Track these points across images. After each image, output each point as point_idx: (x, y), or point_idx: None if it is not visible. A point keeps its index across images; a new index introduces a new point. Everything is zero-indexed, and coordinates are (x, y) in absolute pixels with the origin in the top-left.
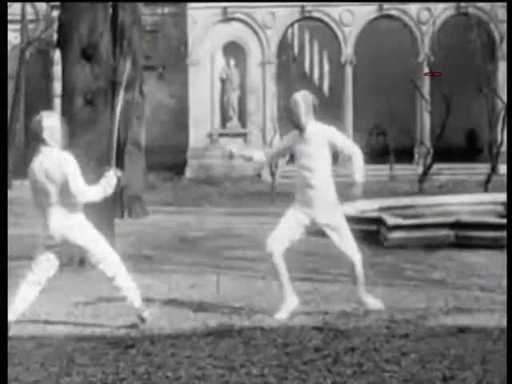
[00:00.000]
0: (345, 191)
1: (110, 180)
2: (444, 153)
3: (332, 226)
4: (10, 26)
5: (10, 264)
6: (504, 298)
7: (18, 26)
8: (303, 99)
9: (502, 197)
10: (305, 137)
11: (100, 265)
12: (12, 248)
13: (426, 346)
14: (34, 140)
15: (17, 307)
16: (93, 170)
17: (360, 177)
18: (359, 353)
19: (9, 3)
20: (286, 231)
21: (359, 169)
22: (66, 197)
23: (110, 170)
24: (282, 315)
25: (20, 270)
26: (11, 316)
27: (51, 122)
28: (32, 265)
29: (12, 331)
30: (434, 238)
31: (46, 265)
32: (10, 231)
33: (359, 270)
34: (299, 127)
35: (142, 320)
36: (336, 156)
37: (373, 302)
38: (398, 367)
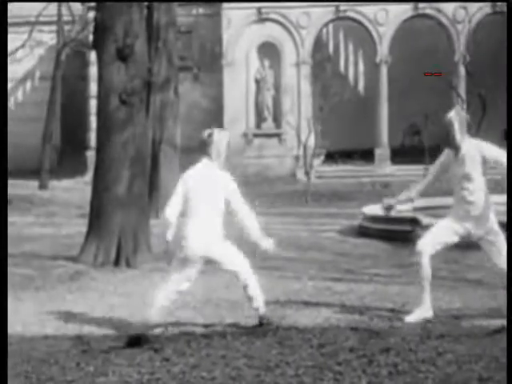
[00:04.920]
0: (381, 190)
1: (265, 240)
2: None
3: (487, 238)
4: (46, 28)
5: (48, 264)
6: None
7: (54, 28)
8: (457, 118)
9: None
10: (460, 157)
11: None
12: (48, 247)
13: (462, 346)
14: (200, 151)
15: (153, 318)
16: (128, 169)
17: None
18: (394, 353)
19: (45, 4)
20: (439, 238)
21: None
22: (213, 212)
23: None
24: (411, 319)
25: (56, 270)
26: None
27: (221, 138)
28: (170, 273)
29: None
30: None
31: (183, 276)
32: (47, 231)
33: None
34: (454, 146)
35: (261, 324)
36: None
37: None
38: (434, 368)
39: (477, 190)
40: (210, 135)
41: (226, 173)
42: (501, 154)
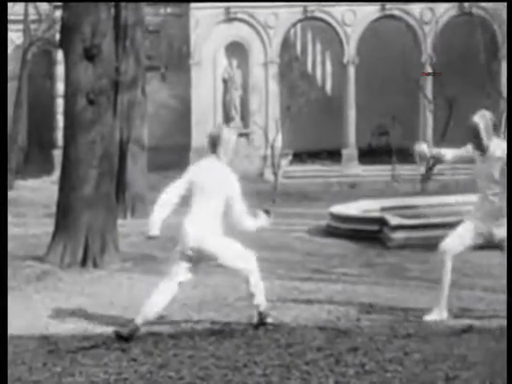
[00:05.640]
0: (348, 190)
1: (261, 220)
2: None
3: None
4: (12, 27)
5: (15, 264)
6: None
7: (20, 26)
8: (483, 121)
9: None
10: (486, 157)
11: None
12: (15, 248)
13: (429, 346)
14: (208, 148)
15: (147, 312)
16: (95, 168)
17: None
18: (362, 353)
19: (11, 3)
20: (462, 238)
21: None
22: (212, 209)
23: (265, 211)
24: (429, 318)
25: (23, 270)
26: (139, 320)
27: (229, 137)
28: (169, 270)
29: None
30: (437, 238)
31: (182, 271)
32: (13, 231)
33: None
34: (481, 149)
35: (261, 321)
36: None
37: None
38: (401, 367)
39: (501, 191)
40: (219, 133)
41: (232, 171)
42: None
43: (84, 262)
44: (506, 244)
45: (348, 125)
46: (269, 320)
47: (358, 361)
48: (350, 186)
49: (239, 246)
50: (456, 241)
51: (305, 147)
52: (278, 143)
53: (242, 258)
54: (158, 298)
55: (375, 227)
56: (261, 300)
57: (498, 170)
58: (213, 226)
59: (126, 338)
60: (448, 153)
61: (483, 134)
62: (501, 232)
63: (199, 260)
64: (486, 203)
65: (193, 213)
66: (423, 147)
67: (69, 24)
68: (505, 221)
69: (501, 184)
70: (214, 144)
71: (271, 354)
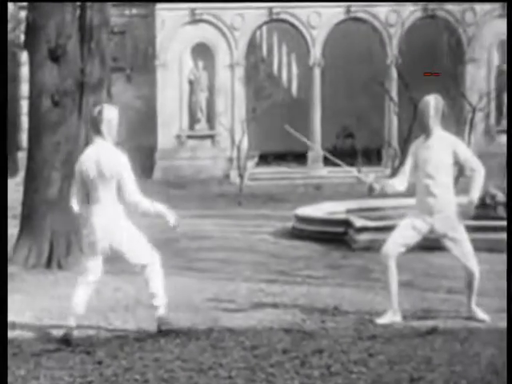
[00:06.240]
0: (314, 192)
1: (164, 211)
2: None
3: (450, 235)
4: None
5: None
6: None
7: None
8: (434, 103)
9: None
10: (429, 143)
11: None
12: None
13: (394, 347)
14: (91, 130)
15: (77, 312)
16: (59, 170)
17: (476, 196)
18: (327, 354)
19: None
20: (402, 238)
21: (478, 187)
22: (113, 195)
23: (171, 214)
24: (382, 321)
25: None
26: (72, 321)
27: (111, 115)
28: (82, 265)
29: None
30: None
31: (94, 265)
32: None
33: (477, 282)
34: (425, 130)
35: (159, 328)
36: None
37: (480, 314)
38: (366, 369)
39: (442, 183)
40: (100, 112)
41: (118, 150)
42: (474, 160)
43: (49, 264)
44: (447, 240)
45: (313, 127)
46: (165, 327)
47: (324, 363)
48: (316, 188)
49: (145, 240)
50: (396, 242)
51: (271, 149)
52: (244, 145)
53: (147, 255)
54: (75, 292)
55: (340, 229)
56: (161, 302)
57: (441, 159)
58: (117, 214)
59: (65, 340)
60: (397, 183)
61: (431, 115)
62: (442, 229)
63: (109, 254)
64: (428, 198)
65: (95, 202)
66: (371, 181)
67: (33, 25)
68: (450, 217)
69: (444, 175)
70: (96, 124)
71: (236, 356)
